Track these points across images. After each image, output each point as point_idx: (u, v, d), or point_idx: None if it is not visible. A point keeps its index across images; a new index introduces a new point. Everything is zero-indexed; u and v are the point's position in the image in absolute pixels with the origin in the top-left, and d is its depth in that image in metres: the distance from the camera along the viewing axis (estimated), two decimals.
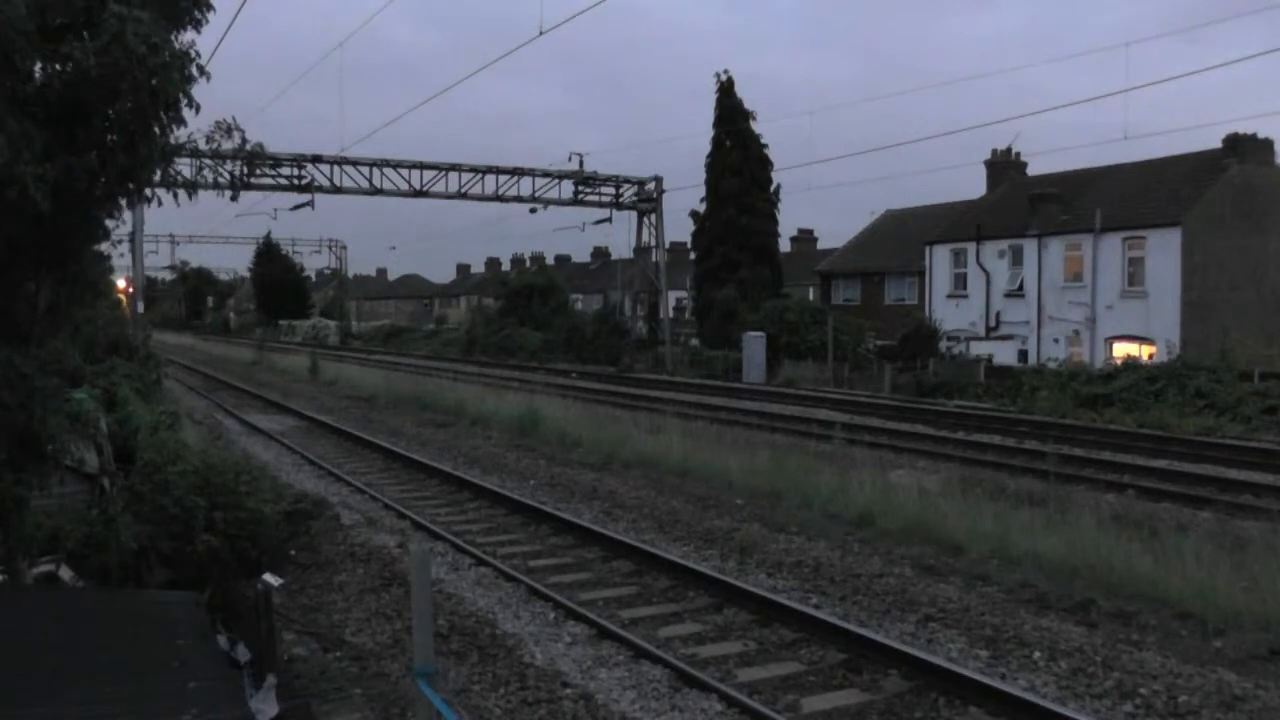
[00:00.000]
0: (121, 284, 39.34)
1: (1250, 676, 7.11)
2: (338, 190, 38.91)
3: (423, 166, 39.84)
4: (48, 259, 5.94)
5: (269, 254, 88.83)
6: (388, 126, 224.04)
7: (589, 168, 42.95)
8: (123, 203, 6.08)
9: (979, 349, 37.47)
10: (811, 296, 49.83)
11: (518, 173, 41.51)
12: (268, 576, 6.58)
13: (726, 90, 46.08)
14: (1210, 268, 33.79)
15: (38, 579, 7.36)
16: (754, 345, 36.75)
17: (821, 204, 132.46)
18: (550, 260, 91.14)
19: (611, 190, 43.92)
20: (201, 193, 6.80)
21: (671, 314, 50.24)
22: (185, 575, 8.15)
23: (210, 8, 5.97)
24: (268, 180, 37.16)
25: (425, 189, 40.11)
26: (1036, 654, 7.65)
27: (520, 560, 10.61)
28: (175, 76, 5.40)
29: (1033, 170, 44.28)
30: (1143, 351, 32.86)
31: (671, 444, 16.68)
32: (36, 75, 5.38)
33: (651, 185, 44.22)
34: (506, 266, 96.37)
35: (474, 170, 40.87)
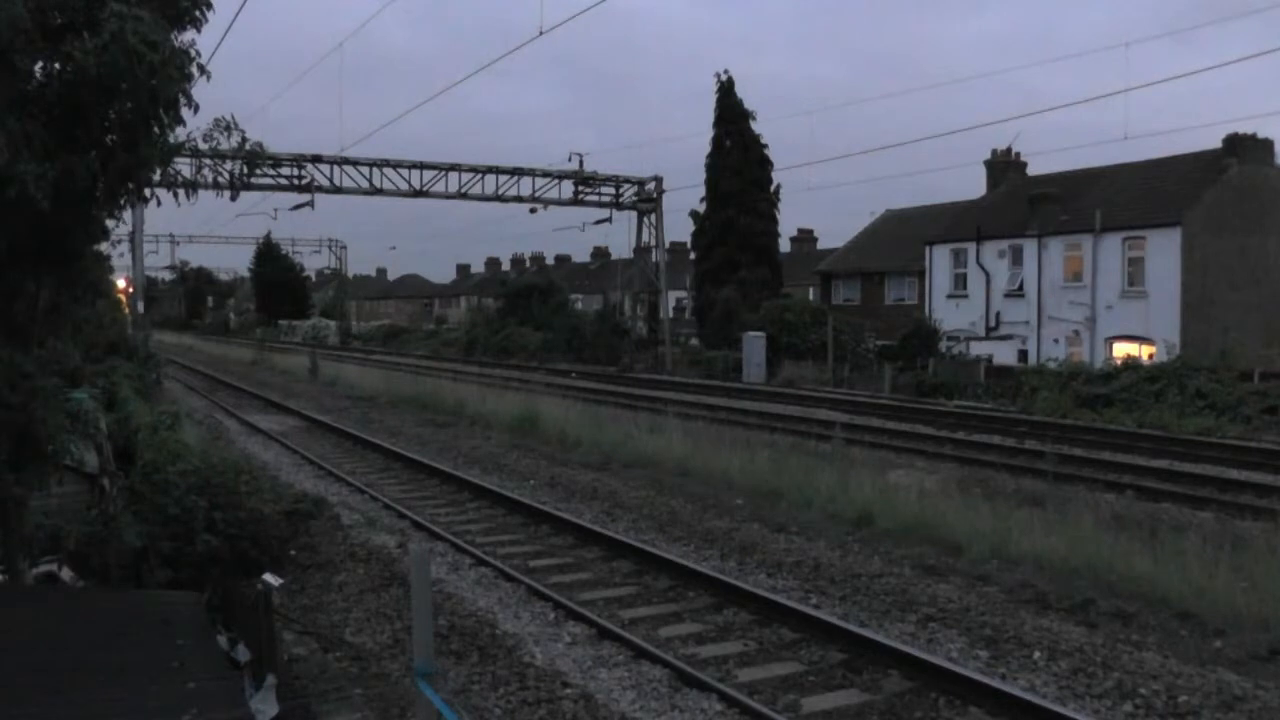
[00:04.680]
0: (121, 284, 39.35)
1: (1250, 676, 7.11)
2: (338, 190, 38.90)
3: (422, 166, 39.82)
4: (48, 259, 5.94)
5: (269, 254, 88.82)
6: (387, 127, 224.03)
7: (589, 168, 42.94)
8: (123, 202, 6.08)
9: (979, 349, 37.47)
10: (811, 296, 49.82)
11: (518, 173, 41.48)
12: (268, 576, 6.58)
13: (727, 90, 46.08)
14: (1210, 268, 33.78)
15: (38, 579, 7.36)
16: (754, 345, 36.74)
17: (821, 204, 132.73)
18: (550, 260, 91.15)
19: (611, 190, 43.90)
20: (201, 193, 6.80)
21: (671, 314, 50.23)
22: (185, 575, 8.14)
23: (210, 6, 5.96)
24: (268, 180, 37.12)
25: (425, 189, 40.09)
26: (1036, 654, 7.65)
27: (520, 560, 10.61)
28: (175, 75, 5.40)
29: (1033, 170, 44.28)
30: (1143, 351, 32.85)
31: (671, 444, 16.68)
32: (37, 75, 5.38)
33: (651, 185, 44.20)
34: (506, 266, 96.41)
35: (474, 170, 40.84)
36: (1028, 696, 6.62)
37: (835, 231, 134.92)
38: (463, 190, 40.98)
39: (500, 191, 41.38)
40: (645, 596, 9.37)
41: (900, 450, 17.89)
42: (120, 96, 5.34)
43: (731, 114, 45.94)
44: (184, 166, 6.75)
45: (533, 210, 42.50)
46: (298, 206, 39.99)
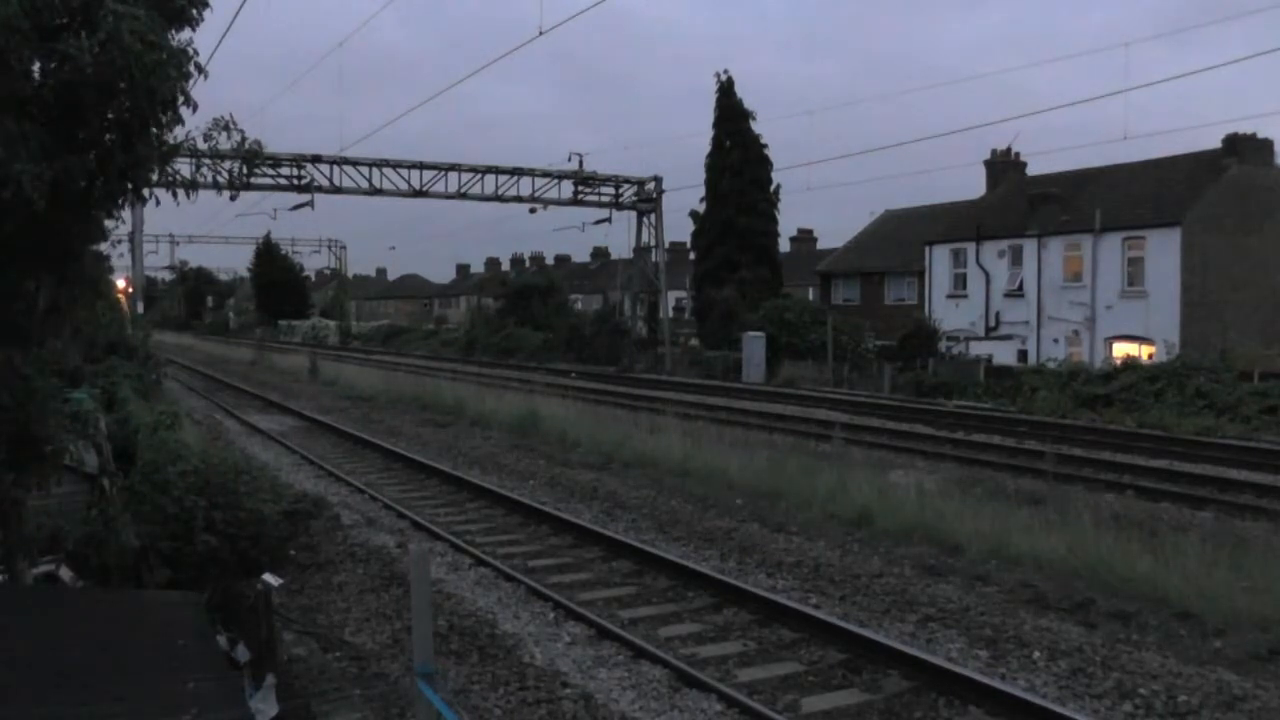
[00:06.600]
0: (121, 284, 39.31)
1: (1250, 676, 7.10)
2: (337, 190, 38.90)
3: (422, 166, 39.82)
4: (47, 259, 5.93)
5: (269, 254, 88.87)
6: (387, 127, 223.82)
7: (588, 168, 42.96)
8: (121, 202, 6.07)
9: (979, 349, 37.47)
10: (811, 296, 49.82)
11: (517, 173, 41.49)
12: (268, 576, 6.58)
13: (726, 90, 46.04)
14: (1210, 268, 33.76)
15: (38, 579, 7.35)
16: (754, 345, 36.75)
17: (821, 204, 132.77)
18: (550, 260, 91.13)
19: (611, 190, 43.91)
20: (201, 193, 6.79)
21: (671, 314, 50.23)
22: (185, 575, 8.14)
23: (206, 5, 5.95)
24: (267, 180, 37.13)
25: (425, 189, 40.09)
26: (1036, 654, 7.65)
27: (520, 560, 10.61)
28: (172, 74, 5.38)
29: (1033, 170, 44.27)
30: (1142, 351, 32.85)
31: (671, 444, 16.67)
32: (35, 74, 5.37)
33: (651, 185, 44.20)
34: (506, 266, 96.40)
35: (473, 170, 40.85)
36: (1027, 696, 6.62)
37: (835, 231, 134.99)
38: (462, 190, 40.98)
39: (500, 191, 41.39)
40: (645, 596, 9.37)
41: (900, 450, 17.89)
42: (118, 95, 5.32)
43: (731, 114, 45.90)
44: (183, 166, 6.75)
45: (532, 210, 42.54)
46: (297, 206, 40.06)
